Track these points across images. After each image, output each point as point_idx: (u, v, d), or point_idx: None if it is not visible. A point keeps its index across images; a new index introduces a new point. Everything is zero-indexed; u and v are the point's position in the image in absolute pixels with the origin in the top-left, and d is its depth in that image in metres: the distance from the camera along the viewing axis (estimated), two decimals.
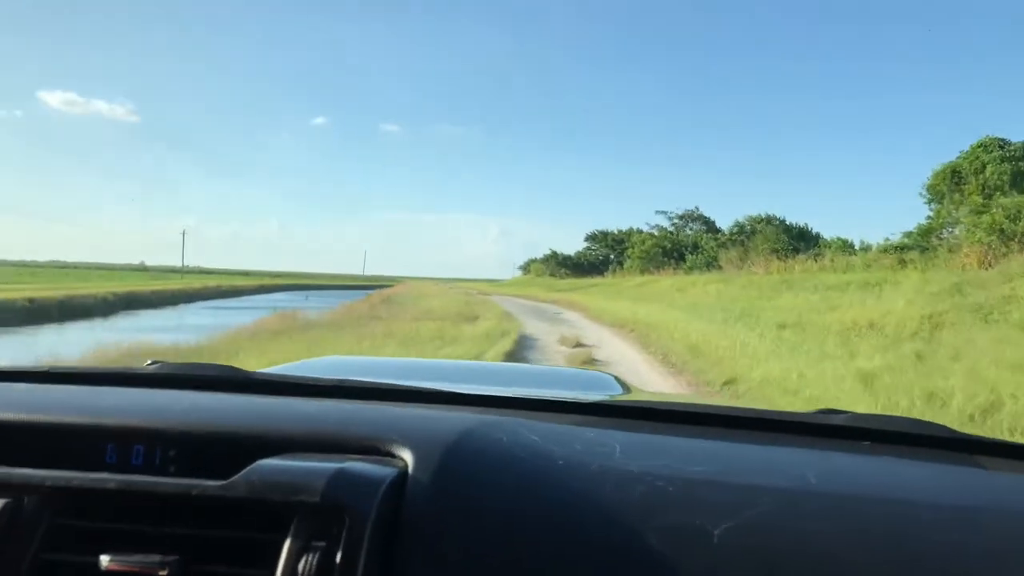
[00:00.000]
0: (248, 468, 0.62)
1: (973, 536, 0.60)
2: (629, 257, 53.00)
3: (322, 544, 0.57)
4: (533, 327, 17.15)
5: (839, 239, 31.25)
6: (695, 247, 48.98)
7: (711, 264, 41.69)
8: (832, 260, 24.47)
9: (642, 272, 49.70)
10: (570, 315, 23.77)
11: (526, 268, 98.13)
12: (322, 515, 0.58)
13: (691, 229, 54.98)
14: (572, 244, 71.81)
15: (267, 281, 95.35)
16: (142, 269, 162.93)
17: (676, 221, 55.12)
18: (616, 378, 1.65)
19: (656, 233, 52.65)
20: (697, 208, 55.17)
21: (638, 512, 0.60)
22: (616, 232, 66.23)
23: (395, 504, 0.59)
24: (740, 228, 41.78)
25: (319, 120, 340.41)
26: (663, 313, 20.09)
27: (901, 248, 21.82)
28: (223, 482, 0.61)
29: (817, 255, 28.20)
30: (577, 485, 0.63)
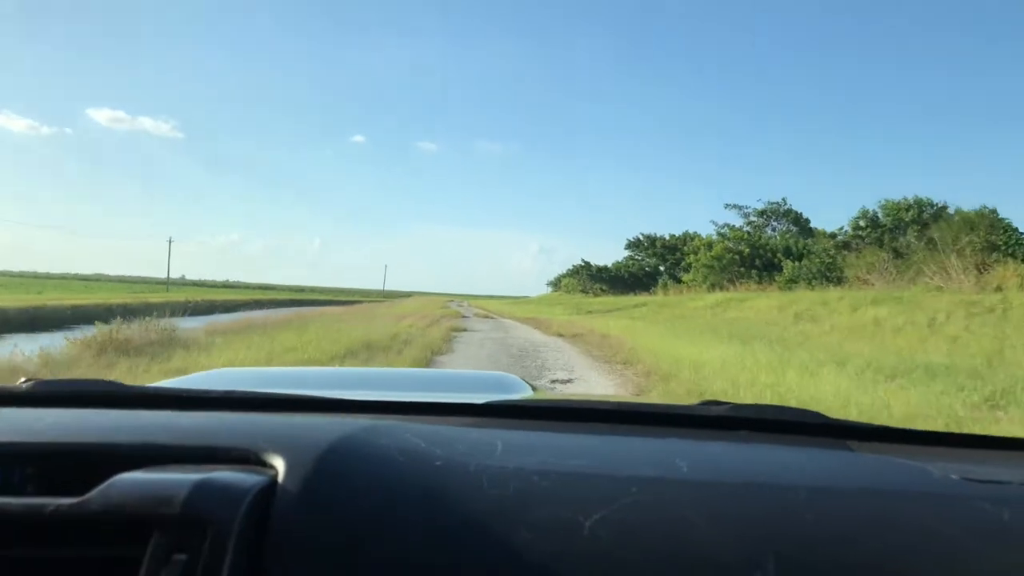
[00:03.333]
0: (106, 483, 0.59)
1: (838, 515, 0.62)
2: (692, 267, 38.07)
3: (183, 557, 0.54)
4: None
5: None
6: (788, 251, 34.04)
7: (827, 274, 26.81)
8: None
9: (711, 287, 34.85)
10: (593, 383, 9.28)
11: (556, 283, 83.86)
12: (184, 528, 0.55)
13: (774, 229, 39.96)
14: (615, 258, 56.61)
15: (282, 296, 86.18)
16: (181, 282, 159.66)
17: (754, 219, 40.17)
18: (522, 379, 1.64)
19: (728, 234, 37.66)
20: (784, 201, 40.16)
21: (511, 508, 0.61)
22: (667, 237, 51.38)
23: (263, 513, 0.57)
24: (871, 221, 26.76)
25: (358, 138, 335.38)
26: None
27: None
28: (78, 499, 0.58)
29: None
30: (453, 485, 0.63)
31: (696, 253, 38.03)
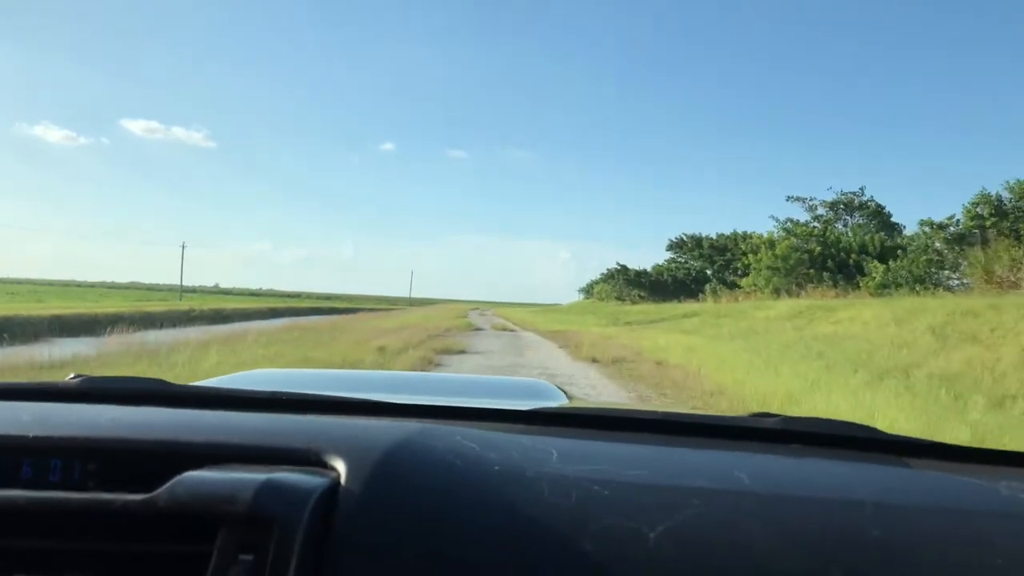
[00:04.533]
0: (173, 480, 0.59)
1: (897, 532, 0.61)
2: (750, 269, 32.14)
3: (250, 557, 0.55)
4: None
5: None
6: (863, 249, 28.16)
7: (933, 277, 20.93)
8: None
9: (776, 292, 29.05)
10: None
11: (588, 290, 78.35)
12: (250, 527, 0.56)
13: (846, 223, 33.94)
14: (654, 262, 50.67)
15: (306, 303, 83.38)
16: (215, 290, 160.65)
17: (822, 213, 34.18)
18: (556, 386, 1.65)
19: (794, 230, 31.69)
20: (862, 191, 34.03)
21: (574, 516, 0.60)
22: (714, 237, 45.43)
23: (327, 514, 0.58)
24: (995, 208, 20.76)
25: (388, 146, 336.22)
26: None
27: None
28: (145, 495, 0.59)
29: None
30: (513, 491, 0.63)
31: (755, 253, 32.16)
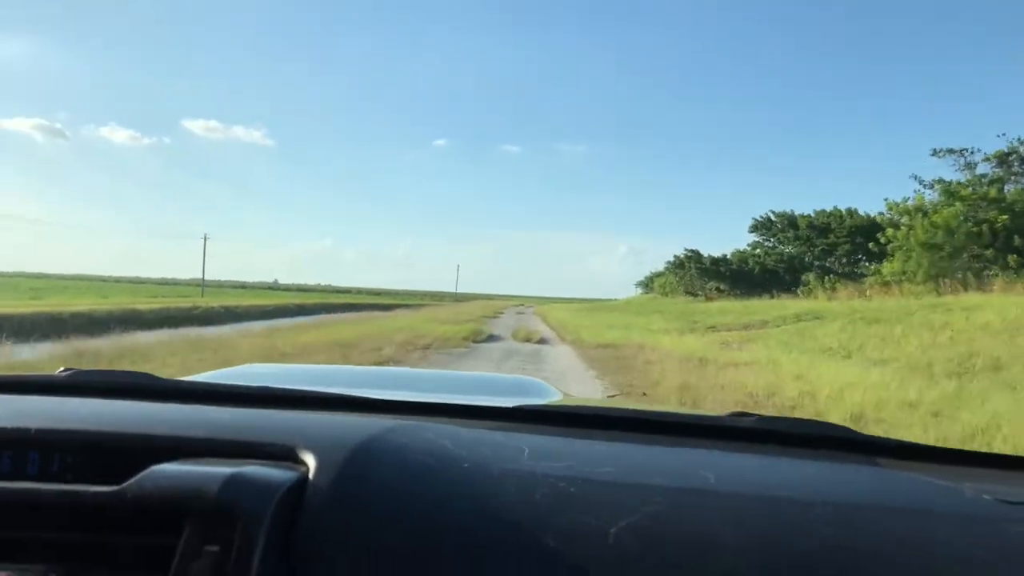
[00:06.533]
0: (141, 473, 0.61)
1: (867, 533, 0.62)
2: (899, 250, 22.52)
3: (215, 549, 0.56)
4: None
5: None
6: None
7: None
8: None
9: (935, 282, 19.65)
10: None
11: (647, 284, 68.87)
12: (216, 520, 0.57)
13: (1016, 182, 24.04)
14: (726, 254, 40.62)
15: (356, 299, 78.42)
16: (275, 287, 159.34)
17: (987, 172, 24.34)
18: (546, 384, 1.65)
19: (959, 192, 21.95)
20: None
21: (538, 513, 0.61)
22: (811, 215, 35.68)
23: (293, 509, 0.59)
24: None
25: (440, 142, 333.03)
26: None
27: None
28: (114, 488, 0.61)
29: None
30: (480, 488, 0.64)
31: (898, 228, 22.63)
